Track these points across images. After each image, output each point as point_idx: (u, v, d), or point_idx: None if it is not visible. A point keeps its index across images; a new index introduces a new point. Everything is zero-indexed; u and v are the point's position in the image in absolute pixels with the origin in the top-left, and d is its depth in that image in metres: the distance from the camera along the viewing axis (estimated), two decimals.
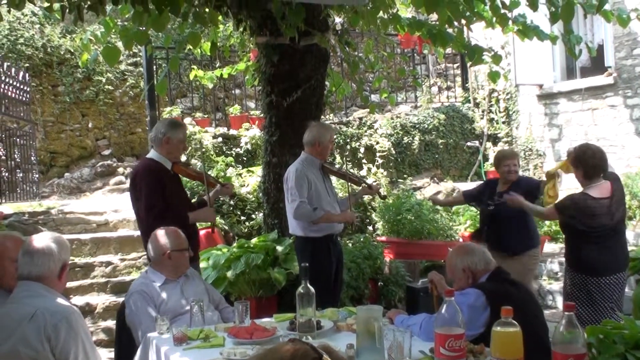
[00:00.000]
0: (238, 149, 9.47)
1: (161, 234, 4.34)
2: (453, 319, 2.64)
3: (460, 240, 8.44)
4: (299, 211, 5.37)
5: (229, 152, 9.35)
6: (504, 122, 11.46)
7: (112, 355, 4.95)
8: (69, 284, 7.34)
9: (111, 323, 6.57)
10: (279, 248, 6.52)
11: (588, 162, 5.31)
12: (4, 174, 9.43)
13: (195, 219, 5.28)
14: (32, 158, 10.40)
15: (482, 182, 7.24)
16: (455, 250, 3.79)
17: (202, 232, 6.26)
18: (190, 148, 8.85)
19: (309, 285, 3.34)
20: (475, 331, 3.20)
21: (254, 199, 8.43)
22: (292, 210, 5.43)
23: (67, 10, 4.59)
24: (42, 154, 11.46)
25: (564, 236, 5.60)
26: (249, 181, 8.64)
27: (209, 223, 5.73)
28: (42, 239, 3.30)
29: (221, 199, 7.88)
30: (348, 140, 10.20)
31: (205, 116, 10.68)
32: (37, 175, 10.53)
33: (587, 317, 5.11)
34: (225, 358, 3.11)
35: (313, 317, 3.38)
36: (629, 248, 6.72)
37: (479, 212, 6.72)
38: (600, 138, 9.70)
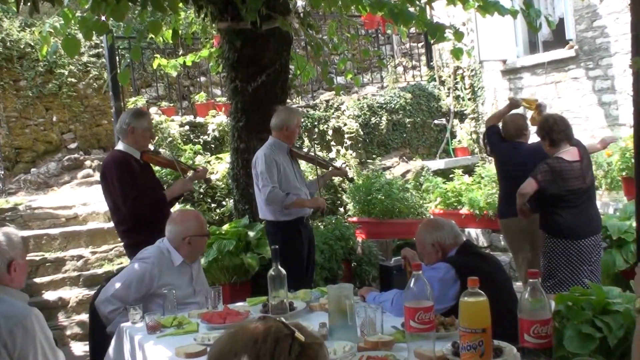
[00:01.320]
0: (205, 137, 9.41)
1: (182, 218, 4.23)
2: (422, 292, 2.67)
3: (431, 217, 8.52)
4: (270, 196, 5.39)
5: (196, 140, 9.30)
6: (469, 99, 11.53)
7: (87, 348, 4.94)
8: (41, 280, 7.29)
9: (85, 317, 6.52)
10: (251, 233, 6.53)
11: (553, 129, 5.44)
12: None
13: (172, 195, 5.27)
14: None
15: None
16: (424, 225, 3.81)
17: None
18: (157, 137, 8.78)
19: (280, 267, 3.36)
20: (445, 304, 3.24)
21: (223, 185, 8.40)
22: (263, 196, 5.44)
23: (22, 1, 4.52)
24: (6, 150, 11.26)
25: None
26: (218, 168, 8.61)
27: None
28: None
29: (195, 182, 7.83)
30: (316, 123, 10.19)
31: (171, 105, 10.59)
32: (2, 172, 10.37)
33: (567, 282, 5.23)
34: (199, 343, 3.12)
35: (285, 298, 3.40)
36: None
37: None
38: (565, 110, 9.80)
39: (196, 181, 6.46)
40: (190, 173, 5.56)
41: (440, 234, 3.61)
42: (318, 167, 6.13)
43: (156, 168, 6.10)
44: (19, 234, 3.38)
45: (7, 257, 3.12)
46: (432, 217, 3.97)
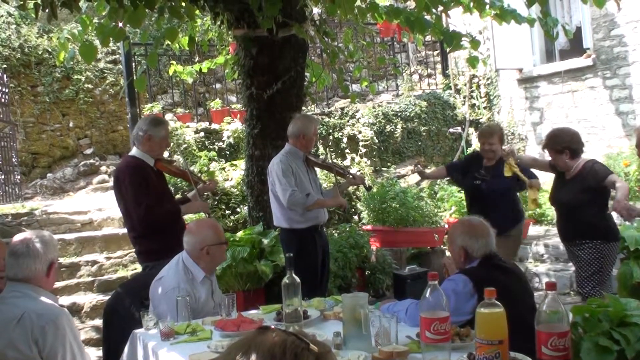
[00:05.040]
0: (220, 143, 9.44)
1: (198, 228, 4.12)
2: (438, 302, 2.64)
3: (446, 226, 8.47)
4: (292, 199, 5.35)
5: (211, 147, 9.32)
6: (485, 108, 11.50)
7: (101, 353, 4.95)
8: (55, 284, 7.30)
9: (99, 322, 6.53)
10: (265, 240, 6.52)
11: (573, 140, 5.40)
12: None
13: (188, 212, 5.26)
14: (14, 159, 10.30)
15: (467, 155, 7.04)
16: (463, 225, 3.63)
17: None
18: (172, 144, 8.82)
19: (294, 275, 3.34)
20: (462, 317, 3.17)
21: (238, 192, 8.41)
22: (284, 200, 5.40)
23: (41, 8, 4.55)
24: (23, 155, 11.35)
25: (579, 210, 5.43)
26: (232, 175, 8.62)
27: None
28: (27, 239, 3.27)
29: (205, 194, 7.86)
30: (331, 130, 10.19)
31: (187, 111, 10.63)
32: (19, 177, 10.43)
33: (608, 281, 5.35)
34: (212, 351, 3.10)
35: (299, 307, 3.38)
36: None
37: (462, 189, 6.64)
38: (581, 120, 9.76)
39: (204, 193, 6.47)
40: (200, 185, 5.56)
41: (471, 244, 3.48)
42: (336, 175, 6.12)
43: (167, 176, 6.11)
44: (53, 236, 3.45)
45: (48, 260, 3.20)
46: (474, 219, 3.73)
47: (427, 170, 7.49)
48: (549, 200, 5.98)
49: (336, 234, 7.79)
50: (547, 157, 5.71)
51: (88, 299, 7.22)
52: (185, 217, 5.85)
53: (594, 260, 5.33)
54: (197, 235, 4.03)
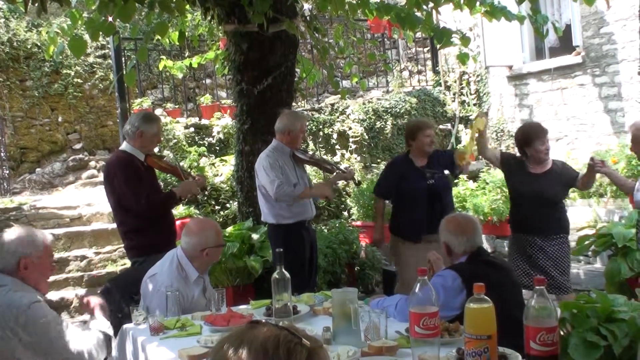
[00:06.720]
0: (210, 139, 9.42)
1: (200, 228, 4.04)
2: (427, 297, 2.65)
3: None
4: (280, 191, 5.30)
5: (201, 142, 9.31)
6: (475, 104, 11.51)
7: None
8: None
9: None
10: (255, 236, 6.52)
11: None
12: None
13: (181, 194, 5.28)
14: (2, 154, 10.26)
15: (385, 172, 6.47)
16: (448, 222, 3.67)
17: (178, 222, 6.23)
18: (162, 139, 8.79)
19: (284, 270, 3.34)
20: (451, 312, 3.19)
21: (227, 188, 8.41)
22: (272, 193, 5.36)
23: (30, 1, 4.52)
24: (11, 150, 11.28)
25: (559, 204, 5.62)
26: (222, 170, 8.61)
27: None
28: (8, 233, 3.29)
29: None
30: (321, 126, 10.18)
31: (177, 107, 10.60)
32: (7, 172, 10.38)
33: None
34: (202, 346, 3.10)
35: (289, 302, 3.39)
36: (600, 224, 6.93)
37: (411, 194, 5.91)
38: (570, 117, 9.80)
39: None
40: (190, 180, 5.55)
41: (452, 239, 3.54)
42: (324, 171, 6.10)
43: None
44: (45, 235, 3.43)
45: (17, 255, 3.19)
46: (460, 216, 3.72)
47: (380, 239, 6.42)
48: (512, 193, 5.82)
49: (326, 230, 7.80)
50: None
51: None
52: (174, 212, 5.86)
53: (566, 254, 5.50)
54: (200, 236, 3.97)
